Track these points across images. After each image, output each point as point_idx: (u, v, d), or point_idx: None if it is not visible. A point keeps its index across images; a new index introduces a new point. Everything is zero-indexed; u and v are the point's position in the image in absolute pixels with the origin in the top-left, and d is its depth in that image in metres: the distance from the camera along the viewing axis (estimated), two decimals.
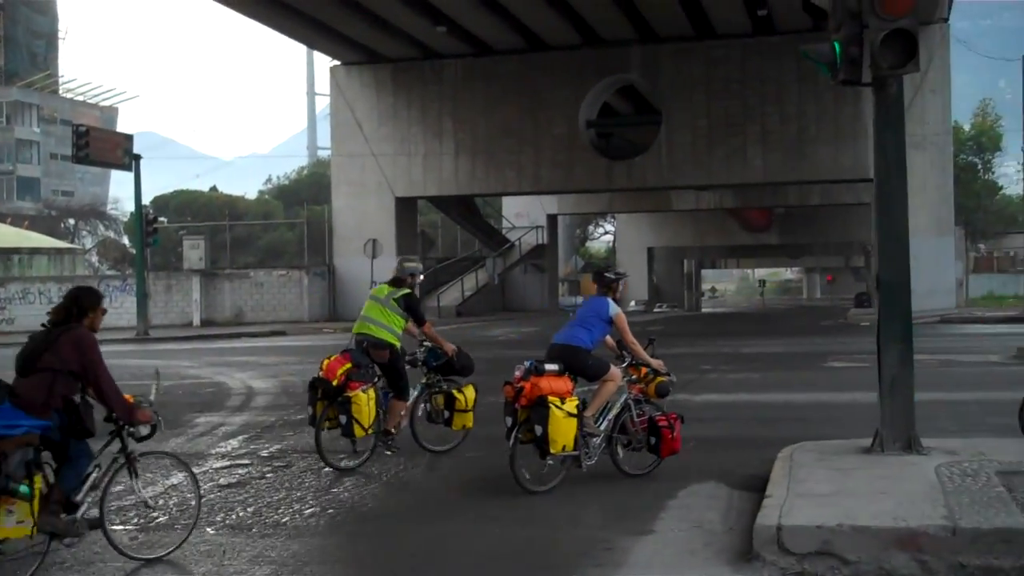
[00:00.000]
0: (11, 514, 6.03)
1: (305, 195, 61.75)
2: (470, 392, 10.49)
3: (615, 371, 9.25)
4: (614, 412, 9.27)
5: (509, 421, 8.72)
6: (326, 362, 9.89)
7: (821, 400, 14.20)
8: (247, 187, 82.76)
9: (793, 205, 55.97)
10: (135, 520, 7.96)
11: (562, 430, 8.50)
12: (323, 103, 74.38)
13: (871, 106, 9.05)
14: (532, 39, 37.50)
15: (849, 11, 8.47)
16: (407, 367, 10.44)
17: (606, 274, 9.67)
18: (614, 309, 9.32)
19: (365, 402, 9.66)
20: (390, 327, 10.16)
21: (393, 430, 10.22)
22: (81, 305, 6.70)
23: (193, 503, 7.47)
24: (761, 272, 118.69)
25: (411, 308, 10.28)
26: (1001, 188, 65.66)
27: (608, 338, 9.55)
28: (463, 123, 39.35)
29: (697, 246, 70.59)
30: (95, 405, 6.63)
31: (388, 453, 10.28)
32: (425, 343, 10.64)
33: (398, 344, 10.24)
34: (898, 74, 8.53)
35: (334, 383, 9.69)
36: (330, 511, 8.42)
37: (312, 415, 9.96)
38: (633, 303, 60.19)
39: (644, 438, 9.25)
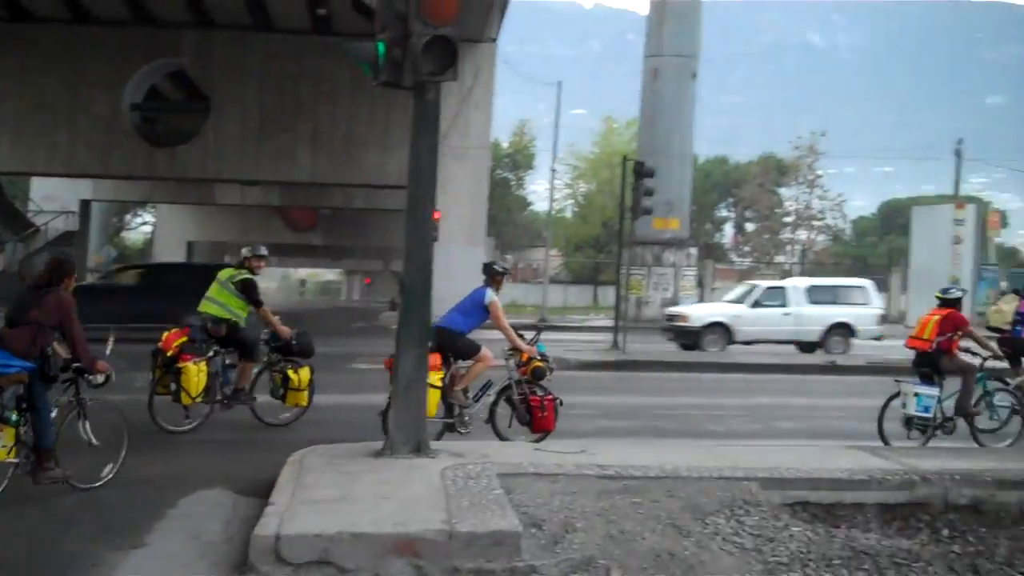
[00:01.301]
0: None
1: None
2: (305, 373, 11.50)
3: (486, 353, 10.41)
4: (495, 389, 10.53)
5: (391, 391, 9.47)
6: (166, 334, 10.84)
7: (340, 402, 13.91)
8: None
9: (338, 207, 56.42)
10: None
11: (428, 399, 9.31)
12: None
13: None
14: (77, 9, 34.79)
15: (396, 13, 8.41)
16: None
17: (494, 266, 10.77)
18: (490, 297, 10.43)
19: (195, 373, 10.56)
20: (227, 305, 11.10)
21: (245, 386, 11.32)
22: (60, 272, 7.92)
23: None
24: (303, 272, 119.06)
25: (245, 290, 11.18)
26: (530, 204, 70.67)
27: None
28: None
29: (240, 242, 69.00)
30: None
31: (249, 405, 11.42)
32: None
33: (236, 319, 11.14)
34: (436, 81, 8.57)
35: (168, 353, 10.67)
36: None
37: (152, 380, 10.85)
38: None
39: (525, 414, 10.41)
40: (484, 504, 6.97)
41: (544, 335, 11.41)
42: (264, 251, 11.78)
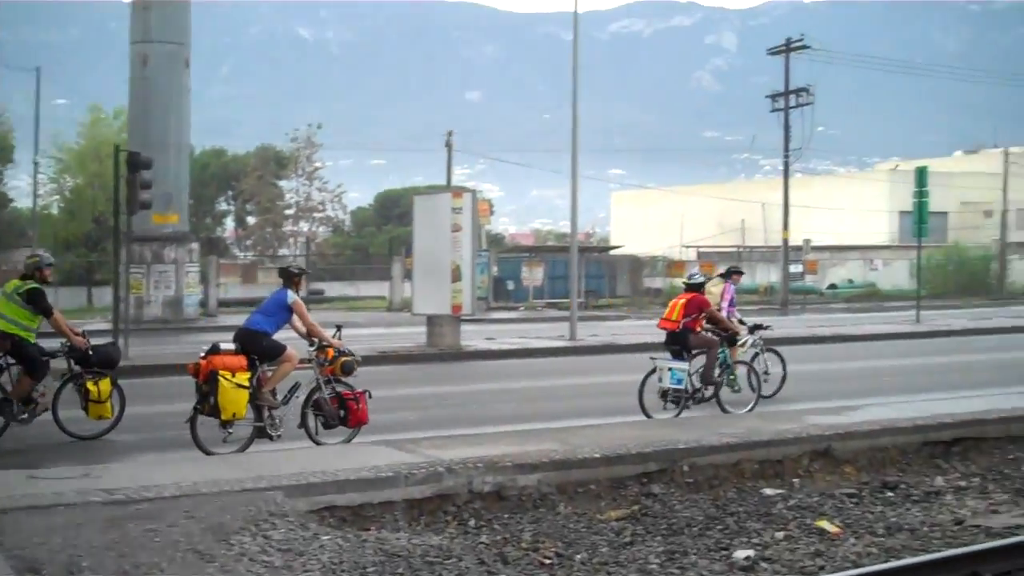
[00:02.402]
0: None
1: None
2: (104, 385, 11.35)
3: (291, 352, 10.69)
4: (304, 392, 10.76)
5: (198, 396, 10.22)
6: None
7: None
8: None
9: None
10: None
11: (230, 399, 10.05)
12: None
13: None
14: None
15: None
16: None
17: (291, 269, 11.10)
18: (292, 298, 10.74)
19: None
20: (14, 319, 10.97)
21: (30, 402, 11.18)
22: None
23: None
24: None
25: (33, 301, 11.02)
26: (12, 201, 64.55)
27: (298, 324, 10.91)
28: None
29: None
30: None
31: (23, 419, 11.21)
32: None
33: (24, 333, 11.02)
34: None
35: None
36: None
37: None
38: None
39: (336, 412, 10.65)
40: None
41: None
42: (51, 259, 11.63)
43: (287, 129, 63.86)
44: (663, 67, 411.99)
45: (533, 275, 43.66)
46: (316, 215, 65.10)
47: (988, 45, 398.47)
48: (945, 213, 65.10)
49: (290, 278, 10.99)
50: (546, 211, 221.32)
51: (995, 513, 8.87)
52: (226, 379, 10.09)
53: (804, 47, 45.70)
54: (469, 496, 8.61)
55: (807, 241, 48.19)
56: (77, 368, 11.54)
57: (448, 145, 45.91)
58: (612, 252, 57.27)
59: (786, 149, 45.78)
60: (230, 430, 10.37)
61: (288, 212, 64.87)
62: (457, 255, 20.68)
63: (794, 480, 10.13)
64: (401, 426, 11.38)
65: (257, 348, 10.57)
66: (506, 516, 8.50)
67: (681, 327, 12.96)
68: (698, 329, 13.12)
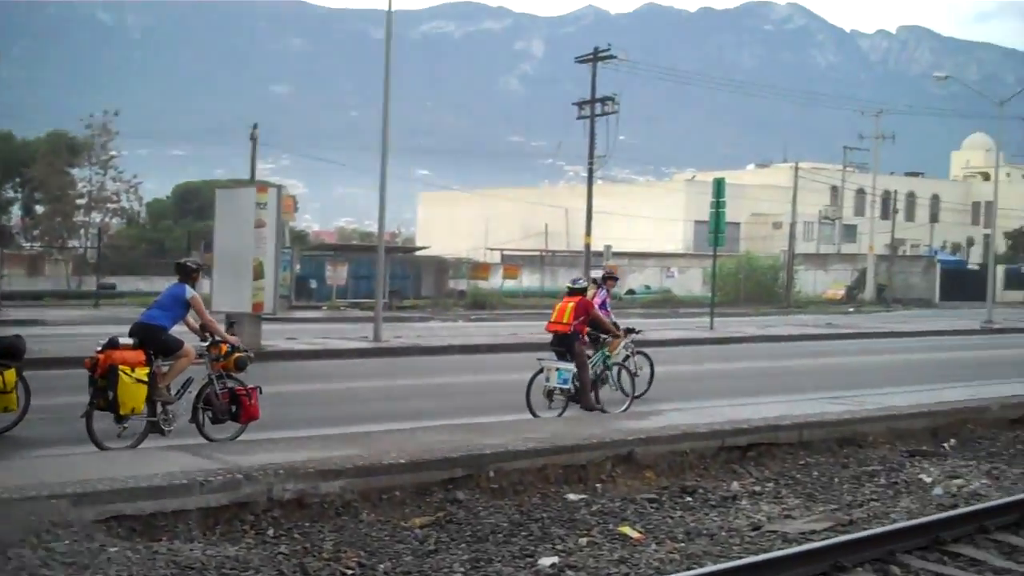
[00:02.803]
0: None
1: None
2: (10, 376, 10.92)
3: (188, 348, 10.72)
4: (196, 387, 10.79)
5: (91, 390, 10.13)
6: None
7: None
8: None
9: None
10: None
11: (130, 394, 10.05)
12: None
13: None
14: None
15: None
16: None
17: (188, 264, 11.12)
18: (190, 293, 10.81)
19: None
20: None
21: None
22: None
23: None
24: None
25: None
26: None
27: (191, 320, 10.99)
28: None
29: None
30: None
31: None
32: None
33: None
34: None
35: None
36: None
37: None
38: None
39: (227, 408, 10.72)
40: None
41: None
42: None
43: (82, 115, 60.78)
44: (472, 70, 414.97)
45: (337, 274, 43.07)
46: (110, 206, 62.17)
47: (781, 64, 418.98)
48: (738, 223, 67.93)
49: (188, 273, 11.09)
50: (351, 209, 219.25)
51: (790, 518, 9.16)
52: (126, 374, 10.08)
53: (610, 57, 46.80)
54: (268, 504, 8.27)
55: (608, 247, 49.30)
56: None
57: (253, 138, 44.68)
58: (417, 253, 57.15)
59: (591, 156, 46.75)
60: (126, 424, 10.36)
61: (80, 202, 61.70)
62: (260, 251, 20.07)
63: (597, 485, 10.22)
64: (190, 431, 10.85)
65: (155, 343, 10.60)
66: (307, 525, 8.22)
67: (572, 329, 13.42)
68: (584, 332, 13.63)
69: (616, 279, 16.71)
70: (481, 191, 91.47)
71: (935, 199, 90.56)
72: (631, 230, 66.29)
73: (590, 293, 15.01)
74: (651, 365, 15.94)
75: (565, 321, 13.46)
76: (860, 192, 78.61)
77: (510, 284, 51.55)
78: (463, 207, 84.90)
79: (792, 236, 61.75)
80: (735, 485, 10.54)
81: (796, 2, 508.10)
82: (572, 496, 9.76)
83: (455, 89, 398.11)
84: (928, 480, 10.82)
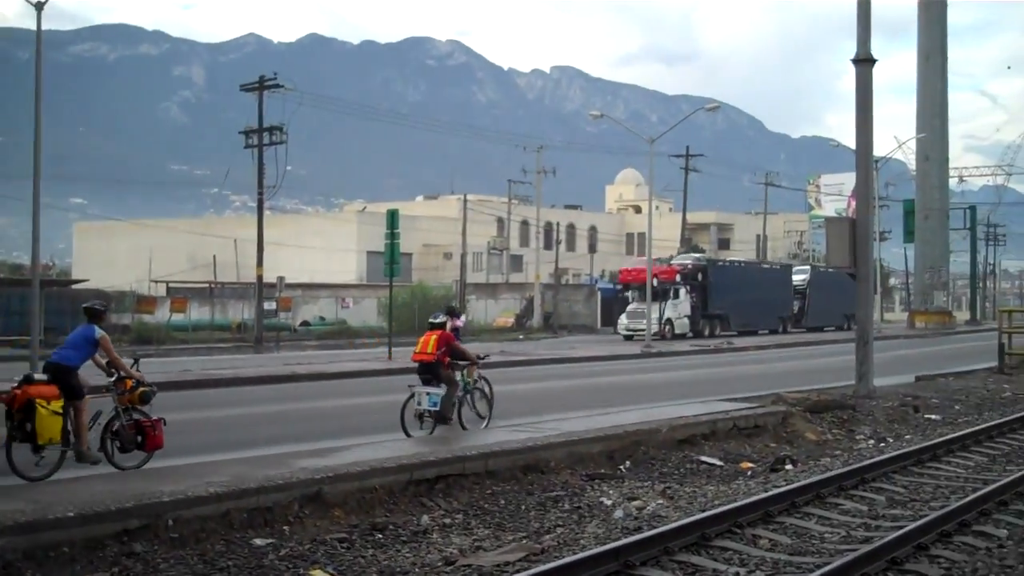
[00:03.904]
0: None
1: None
2: None
3: (87, 399, 11.46)
4: (105, 419, 11.69)
5: (8, 424, 10.91)
6: None
7: None
8: None
9: None
10: None
11: (47, 425, 10.87)
12: None
13: None
14: None
15: None
16: None
17: (96, 307, 11.96)
18: (99, 333, 11.57)
19: None
20: None
21: None
22: None
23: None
24: None
25: None
26: None
27: (98, 357, 11.73)
28: None
29: None
30: None
31: None
32: None
33: None
34: None
35: None
36: None
37: None
38: None
39: (134, 438, 11.68)
40: None
41: None
42: None
43: None
44: (128, 95, 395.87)
45: None
46: None
47: (444, 99, 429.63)
48: (410, 254, 68.72)
49: (97, 315, 11.82)
50: None
51: (482, 550, 9.15)
52: (43, 406, 10.84)
53: (277, 86, 46.13)
54: None
55: (281, 278, 48.33)
56: None
57: None
58: (75, 287, 53.61)
59: (260, 186, 45.80)
60: (43, 455, 10.99)
61: None
62: None
63: (285, 527, 9.84)
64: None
65: (64, 382, 11.24)
66: None
67: (436, 359, 14.93)
68: (445, 360, 15.12)
69: (458, 315, 18.96)
70: (143, 221, 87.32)
71: (593, 230, 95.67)
72: (304, 261, 65.47)
73: (448, 325, 16.22)
74: (490, 387, 16.72)
75: (430, 351, 14.98)
76: (525, 224, 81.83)
77: (178, 318, 49.39)
78: (123, 238, 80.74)
79: (463, 266, 63.19)
80: (425, 519, 10.46)
81: (456, 39, 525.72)
82: (259, 541, 9.35)
83: (111, 114, 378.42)
84: (609, 503, 11.21)
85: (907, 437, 16.39)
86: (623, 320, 50.22)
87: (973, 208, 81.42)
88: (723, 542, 9.07)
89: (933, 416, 19.04)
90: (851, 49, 22.31)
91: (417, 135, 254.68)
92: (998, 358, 28.91)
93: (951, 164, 73.25)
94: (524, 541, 9.46)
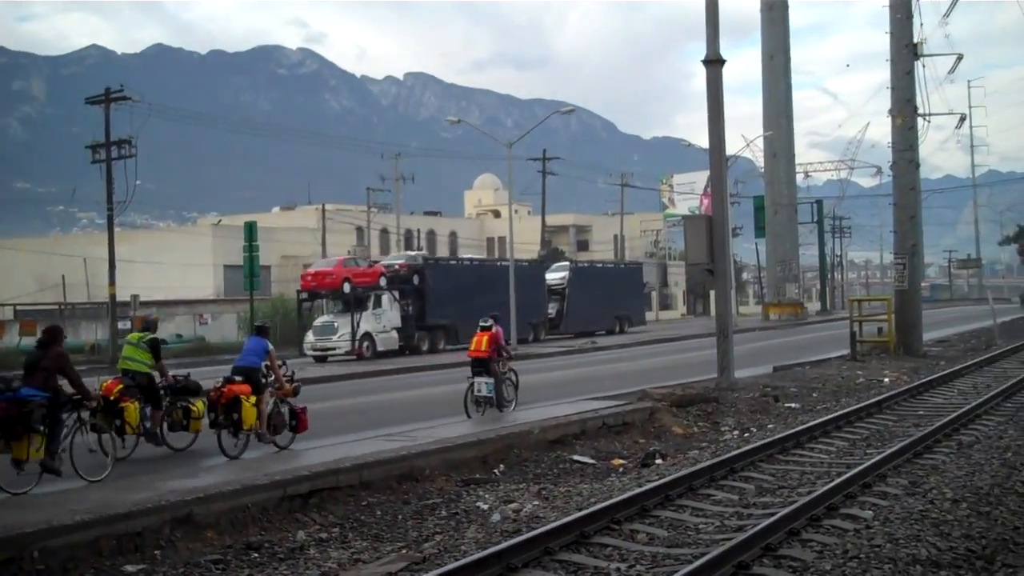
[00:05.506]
0: (33, 444, 11.37)
1: None
2: (200, 405, 14.54)
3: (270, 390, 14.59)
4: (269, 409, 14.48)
5: (213, 415, 13.96)
6: (104, 384, 13.87)
7: None
8: None
9: None
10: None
11: (249, 414, 13.82)
12: None
13: None
14: None
15: None
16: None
17: (266, 325, 15.71)
18: (269, 346, 14.88)
19: (133, 411, 13.70)
20: (143, 361, 14.37)
21: (157, 430, 14.39)
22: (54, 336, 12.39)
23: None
24: None
25: (155, 349, 14.57)
26: None
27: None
28: None
29: None
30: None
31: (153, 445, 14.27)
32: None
33: (149, 371, 14.38)
34: None
35: (111, 397, 13.54)
36: None
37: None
38: None
39: (289, 422, 14.76)
40: None
41: None
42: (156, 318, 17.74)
43: None
44: None
45: None
46: None
47: (297, 108, 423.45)
48: (269, 266, 67.59)
49: (265, 331, 15.24)
50: None
51: (361, 562, 9.04)
52: (245, 399, 13.86)
53: (124, 98, 44.73)
54: None
55: (135, 296, 46.81)
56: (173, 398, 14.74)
57: None
58: None
59: (109, 201, 44.33)
60: (241, 436, 13.93)
61: None
62: None
63: (156, 552, 9.56)
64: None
65: (254, 381, 14.34)
66: None
67: (488, 355, 17.81)
68: (495, 357, 17.97)
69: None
70: None
71: (453, 236, 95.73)
72: (158, 278, 63.61)
73: (494, 328, 18.46)
74: (517, 378, 19.44)
75: (483, 349, 17.81)
76: (385, 231, 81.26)
77: (28, 341, 47.36)
78: None
79: None
80: (301, 534, 10.31)
81: (307, 47, 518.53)
82: (130, 568, 9.08)
83: None
84: (486, 508, 11.22)
85: (770, 426, 16.88)
86: (309, 337, 39.52)
87: (819, 202, 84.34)
88: (602, 539, 9.17)
89: (793, 404, 19.68)
90: (698, 52, 22.93)
91: (270, 145, 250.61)
92: (850, 346, 30.05)
93: (797, 160, 75.73)
94: (404, 551, 9.39)
